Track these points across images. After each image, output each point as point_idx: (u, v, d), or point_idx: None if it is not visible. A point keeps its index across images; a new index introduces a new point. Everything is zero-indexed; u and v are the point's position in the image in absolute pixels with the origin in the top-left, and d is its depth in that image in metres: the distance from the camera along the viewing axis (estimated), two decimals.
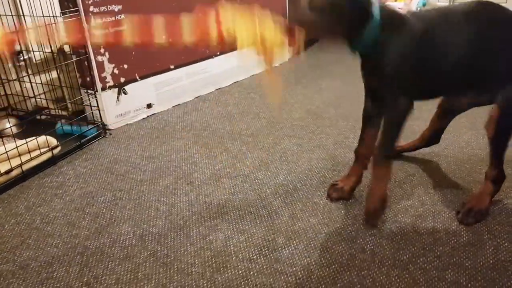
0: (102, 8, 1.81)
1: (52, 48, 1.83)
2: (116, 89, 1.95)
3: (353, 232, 1.22)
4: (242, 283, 1.06)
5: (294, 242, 1.19)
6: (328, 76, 2.49)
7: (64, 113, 2.00)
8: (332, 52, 2.86)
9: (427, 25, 1.16)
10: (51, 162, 1.64)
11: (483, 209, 1.25)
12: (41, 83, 1.95)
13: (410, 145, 1.58)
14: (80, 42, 1.72)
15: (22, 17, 1.82)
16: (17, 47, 1.92)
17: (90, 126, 1.84)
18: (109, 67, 1.89)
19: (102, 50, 1.85)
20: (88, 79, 1.87)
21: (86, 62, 1.82)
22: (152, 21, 1.14)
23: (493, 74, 1.19)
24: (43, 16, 1.71)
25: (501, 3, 1.18)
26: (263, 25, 1.05)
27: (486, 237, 1.18)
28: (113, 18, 1.85)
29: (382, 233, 1.21)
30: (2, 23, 1.67)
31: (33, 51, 1.93)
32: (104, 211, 1.36)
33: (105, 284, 1.07)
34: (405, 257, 1.12)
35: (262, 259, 1.13)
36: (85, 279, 1.09)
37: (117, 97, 1.96)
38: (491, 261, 1.10)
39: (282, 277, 1.07)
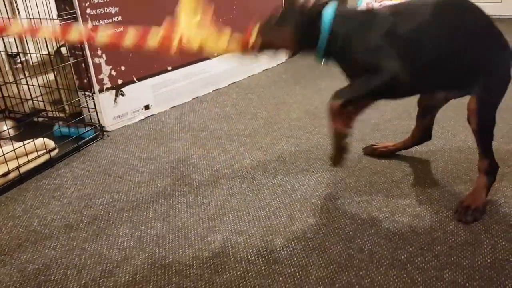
0: (99, 11, 1.81)
1: (49, 50, 1.83)
2: (114, 91, 1.95)
3: (351, 232, 1.22)
4: (241, 284, 1.06)
5: (293, 242, 1.19)
6: (327, 76, 2.49)
7: (61, 115, 2.00)
8: None
9: (393, 22, 1.15)
10: (49, 164, 1.64)
11: (480, 205, 1.25)
12: (38, 85, 1.95)
13: (402, 144, 1.58)
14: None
15: (19, 19, 1.82)
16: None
17: (87, 128, 1.84)
18: (106, 69, 1.89)
19: (99, 52, 1.85)
20: (85, 81, 1.86)
21: (83, 64, 1.82)
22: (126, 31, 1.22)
23: (465, 67, 1.20)
24: (40, 18, 1.71)
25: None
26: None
27: (484, 236, 1.18)
28: (109, 20, 1.85)
29: (380, 233, 1.21)
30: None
31: (30, 53, 1.93)
32: (102, 213, 1.36)
33: (103, 287, 1.07)
34: (403, 257, 1.12)
35: (260, 260, 1.13)
36: (83, 282, 1.09)
37: (115, 99, 1.96)
38: (488, 260, 1.10)
39: (281, 278, 1.07)
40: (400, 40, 1.14)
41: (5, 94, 1.97)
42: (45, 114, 2.00)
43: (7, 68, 1.97)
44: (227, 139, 1.82)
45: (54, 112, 1.96)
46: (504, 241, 1.16)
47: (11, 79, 1.97)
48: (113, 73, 1.92)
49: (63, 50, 1.92)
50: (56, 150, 1.67)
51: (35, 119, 2.00)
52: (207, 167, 1.60)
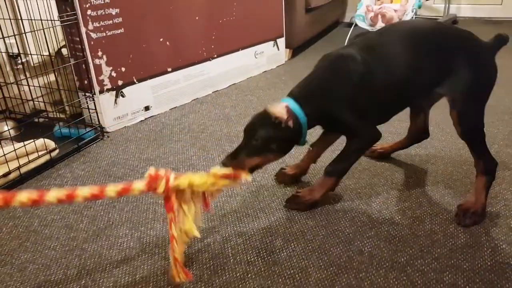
0: (99, 12, 1.81)
1: (50, 51, 1.83)
2: (114, 92, 1.95)
3: (350, 234, 1.22)
4: (240, 285, 1.06)
5: (292, 244, 1.19)
6: None
7: (62, 116, 2.00)
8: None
9: (364, 65, 1.20)
10: (49, 164, 1.64)
11: (480, 208, 1.25)
12: (39, 86, 1.95)
13: (399, 145, 1.59)
14: None
15: (20, 20, 1.82)
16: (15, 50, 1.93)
17: (88, 129, 1.84)
18: (106, 70, 1.89)
19: (99, 53, 1.85)
20: (86, 82, 1.87)
21: (84, 65, 1.82)
22: None
23: (433, 77, 1.23)
24: (41, 19, 1.72)
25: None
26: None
27: (484, 239, 1.18)
28: (110, 22, 1.86)
29: (380, 235, 1.21)
30: (0, 26, 1.67)
31: (30, 54, 1.93)
32: (102, 213, 1.36)
33: (103, 287, 1.07)
34: (403, 259, 1.12)
35: (260, 261, 1.13)
36: (83, 282, 1.09)
37: (115, 100, 1.96)
38: (488, 263, 1.10)
39: (280, 280, 1.07)
40: (370, 86, 1.20)
41: (6, 95, 1.97)
42: (46, 115, 2.00)
43: (8, 68, 1.97)
44: (227, 140, 1.82)
45: (54, 113, 1.97)
46: (504, 244, 1.16)
47: (12, 79, 1.97)
48: (114, 74, 1.92)
49: (64, 51, 1.92)
50: (57, 151, 1.67)
51: (36, 120, 2.00)
52: (206, 168, 1.60)
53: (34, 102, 1.98)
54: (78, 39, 1.78)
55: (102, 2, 1.81)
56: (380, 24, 3.13)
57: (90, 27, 1.79)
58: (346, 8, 4.16)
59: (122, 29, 1.91)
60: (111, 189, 0.98)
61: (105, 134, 1.91)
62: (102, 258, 1.17)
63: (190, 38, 2.24)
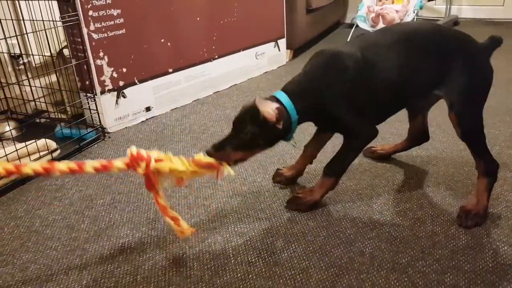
0: (101, 13, 1.81)
1: (52, 51, 1.83)
2: (115, 93, 1.95)
3: (351, 235, 1.22)
4: (241, 286, 1.06)
5: (293, 245, 1.19)
6: None
7: (63, 116, 2.01)
8: None
9: (360, 62, 1.20)
10: None
11: (481, 210, 1.25)
12: (41, 87, 1.96)
13: (400, 146, 1.59)
14: None
15: (22, 21, 1.83)
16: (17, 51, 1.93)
17: (89, 129, 1.84)
18: (108, 71, 1.90)
19: (101, 54, 1.85)
20: (87, 82, 1.87)
21: (85, 66, 1.83)
22: None
23: (430, 78, 1.23)
24: (43, 20, 1.72)
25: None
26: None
27: (485, 240, 1.18)
28: (112, 23, 1.86)
29: (381, 236, 1.21)
30: (2, 27, 1.68)
31: (32, 54, 1.93)
32: (103, 214, 1.36)
33: (104, 287, 1.07)
34: (404, 261, 1.12)
35: (261, 262, 1.13)
36: (84, 282, 1.09)
37: (116, 101, 1.96)
38: (490, 265, 1.10)
39: (281, 280, 1.07)
40: (367, 83, 1.20)
41: (8, 95, 1.97)
42: (47, 115, 2.00)
43: (10, 69, 1.98)
44: None
45: (56, 113, 1.97)
46: (506, 246, 1.16)
47: (13, 80, 1.97)
48: (115, 75, 1.93)
49: (66, 52, 1.93)
50: (58, 151, 1.67)
51: (37, 120, 2.00)
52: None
53: (36, 102, 1.98)
54: (79, 39, 1.78)
55: (104, 3, 1.81)
56: (381, 25, 3.13)
57: (92, 28, 1.80)
58: (347, 9, 4.16)
59: (124, 30, 1.91)
60: (90, 165, 1.04)
61: (106, 134, 1.91)
62: (103, 258, 1.17)
63: (191, 39, 2.24)
